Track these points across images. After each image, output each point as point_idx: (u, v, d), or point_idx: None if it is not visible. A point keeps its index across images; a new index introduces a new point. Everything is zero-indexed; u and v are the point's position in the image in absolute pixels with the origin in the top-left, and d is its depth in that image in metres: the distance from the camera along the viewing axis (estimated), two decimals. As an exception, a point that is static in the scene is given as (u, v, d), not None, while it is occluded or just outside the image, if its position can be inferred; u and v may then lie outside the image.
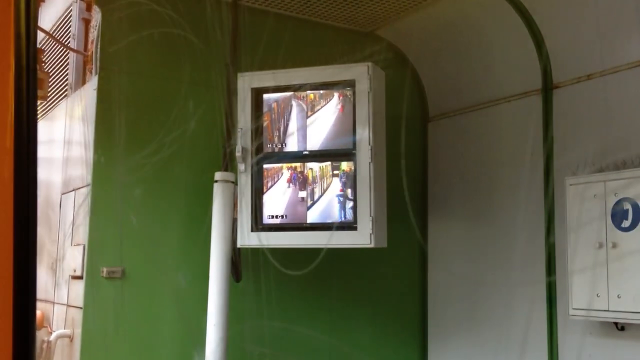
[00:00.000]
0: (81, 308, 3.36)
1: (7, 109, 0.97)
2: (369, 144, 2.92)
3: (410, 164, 4.23)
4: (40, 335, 3.62)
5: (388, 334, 4.16)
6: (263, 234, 3.12)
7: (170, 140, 3.38)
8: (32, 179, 0.99)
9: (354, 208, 2.97)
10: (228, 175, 3.20)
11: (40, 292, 4.13)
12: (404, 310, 4.24)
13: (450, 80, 4.12)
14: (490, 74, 3.85)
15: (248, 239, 3.14)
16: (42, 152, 4.57)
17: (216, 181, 3.21)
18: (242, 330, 3.44)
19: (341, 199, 3.02)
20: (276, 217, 3.12)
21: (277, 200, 3.13)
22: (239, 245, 3.15)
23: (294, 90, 3.12)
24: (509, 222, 3.70)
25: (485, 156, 3.89)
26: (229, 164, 3.34)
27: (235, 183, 3.20)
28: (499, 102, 3.81)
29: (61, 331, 3.54)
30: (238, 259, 3.24)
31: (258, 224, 3.13)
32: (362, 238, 2.93)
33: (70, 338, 3.50)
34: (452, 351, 4.05)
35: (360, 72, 2.98)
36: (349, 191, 3.00)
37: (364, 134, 2.94)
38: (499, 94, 3.79)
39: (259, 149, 3.15)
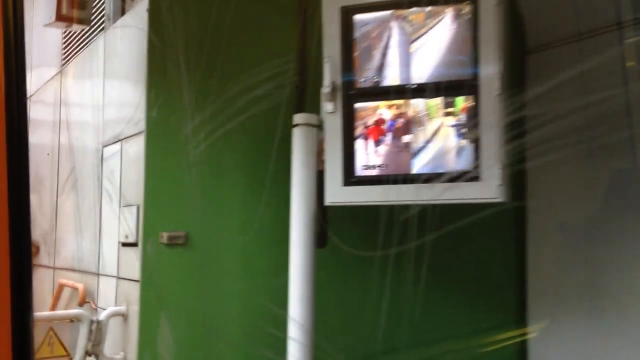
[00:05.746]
0: (137, 281, 2.85)
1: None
2: (499, 72, 2.31)
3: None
4: (84, 312, 3.11)
5: (481, 301, 3.61)
6: (357, 189, 2.55)
7: (239, 89, 2.84)
8: (24, 168, 0.98)
9: (476, 154, 2.38)
10: (311, 118, 2.62)
11: (82, 263, 3.61)
12: (497, 275, 3.66)
13: (552, 8, 3.47)
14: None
15: (338, 195, 2.57)
16: (75, 97, 4.01)
17: (295, 125, 2.63)
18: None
19: (458, 142, 2.42)
20: (373, 167, 2.54)
21: (373, 147, 2.54)
22: (327, 202, 2.59)
23: (394, 8, 2.49)
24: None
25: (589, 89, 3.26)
26: (303, 106, 2.76)
27: (320, 127, 2.62)
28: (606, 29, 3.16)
29: (113, 308, 3.02)
30: (325, 220, 2.69)
31: (350, 177, 2.55)
32: (488, 191, 2.35)
33: (125, 316, 3.00)
34: (557, 322, 3.45)
35: (484, -20, 2.34)
36: (468, 133, 2.41)
37: (489, 60, 2.33)
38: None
39: (349, 84, 2.55)
